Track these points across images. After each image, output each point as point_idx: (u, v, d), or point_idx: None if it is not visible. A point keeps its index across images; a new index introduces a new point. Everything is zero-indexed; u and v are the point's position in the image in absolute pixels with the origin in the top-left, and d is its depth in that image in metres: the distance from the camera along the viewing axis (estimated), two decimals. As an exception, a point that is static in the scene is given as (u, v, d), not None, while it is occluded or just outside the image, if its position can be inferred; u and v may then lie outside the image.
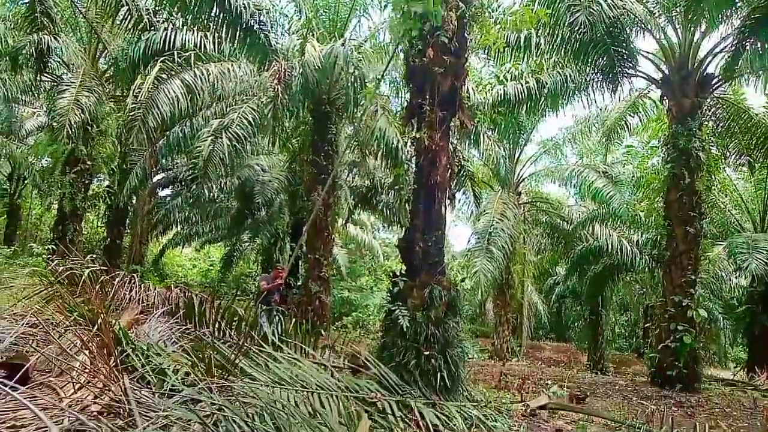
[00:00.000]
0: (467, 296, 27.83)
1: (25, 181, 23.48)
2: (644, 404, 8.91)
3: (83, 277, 5.18)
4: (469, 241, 14.68)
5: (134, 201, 21.28)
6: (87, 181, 14.93)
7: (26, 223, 26.13)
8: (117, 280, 5.85)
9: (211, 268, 32.11)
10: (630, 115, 14.09)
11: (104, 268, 5.76)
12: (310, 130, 14.05)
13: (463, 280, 8.12)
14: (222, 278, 26.50)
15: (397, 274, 7.01)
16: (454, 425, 5.54)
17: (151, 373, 3.64)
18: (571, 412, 7.39)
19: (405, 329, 6.43)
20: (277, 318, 9.29)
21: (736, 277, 16.53)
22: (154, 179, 22.50)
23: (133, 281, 6.10)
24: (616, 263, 15.92)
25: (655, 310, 11.54)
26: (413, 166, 7.36)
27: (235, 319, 6.63)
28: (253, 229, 21.65)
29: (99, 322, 3.55)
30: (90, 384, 3.28)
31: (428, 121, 6.76)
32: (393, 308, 6.67)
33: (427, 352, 6.31)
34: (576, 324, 26.83)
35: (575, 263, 17.20)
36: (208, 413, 2.68)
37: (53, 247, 13.23)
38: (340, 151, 14.19)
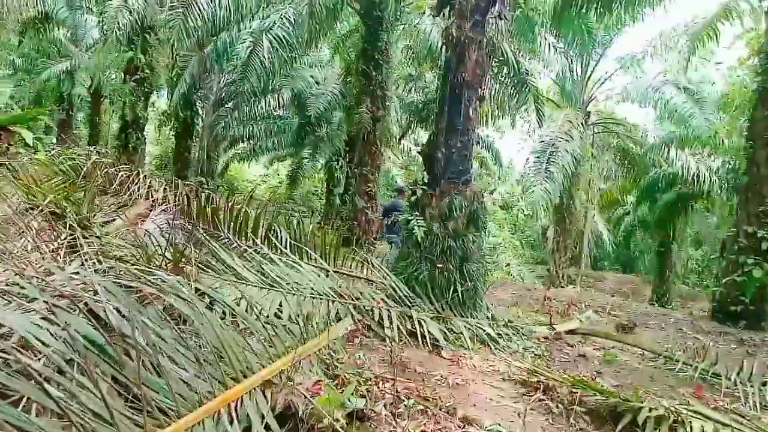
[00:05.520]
0: (526, 222, 26.96)
1: (102, 93, 24.27)
2: (699, 339, 8.16)
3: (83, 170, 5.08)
4: (527, 161, 13.69)
5: (203, 114, 21.56)
6: (147, 90, 15.07)
7: (107, 133, 27.24)
8: (121, 174, 5.72)
9: (280, 185, 32.72)
10: (721, 21, 12.13)
11: (107, 159, 5.66)
12: (361, 38, 13.34)
13: (492, 193, 7.48)
14: (290, 195, 26.84)
15: (418, 182, 6.54)
16: (459, 340, 5.19)
17: (103, 258, 3.47)
18: (604, 340, 6.85)
19: (420, 240, 6.04)
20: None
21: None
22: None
23: (140, 176, 5.97)
24: (691, 192, 14.49)
25: (726, 242, 10.44)
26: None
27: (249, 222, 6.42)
28: (312, 146, 21.49)
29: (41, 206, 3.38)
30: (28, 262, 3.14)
31: (458, 8, 5.99)
32: (410, 218, 6.25)
33: (440, 265, 5.90)
34: (645, 256, 25.39)
35: (646, 191, 15.86)
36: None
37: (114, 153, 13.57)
38: (392, 61, 13.42)
